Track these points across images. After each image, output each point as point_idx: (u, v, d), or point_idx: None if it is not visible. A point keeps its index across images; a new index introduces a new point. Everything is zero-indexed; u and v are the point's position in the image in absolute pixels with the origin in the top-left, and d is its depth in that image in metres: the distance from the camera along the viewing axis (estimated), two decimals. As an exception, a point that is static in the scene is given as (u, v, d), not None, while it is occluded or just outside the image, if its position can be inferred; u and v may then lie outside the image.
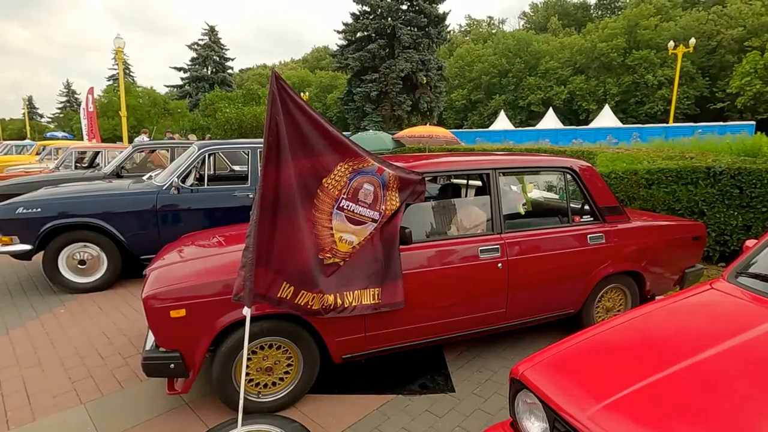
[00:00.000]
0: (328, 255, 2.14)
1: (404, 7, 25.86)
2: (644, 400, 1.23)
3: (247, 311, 1.88)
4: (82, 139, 23.39)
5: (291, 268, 1.97)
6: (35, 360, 2.93)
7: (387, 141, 10.27)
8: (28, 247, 3.94)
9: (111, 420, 2.32)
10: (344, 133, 2.26)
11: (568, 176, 3.05)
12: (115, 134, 21.92)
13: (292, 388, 2.41)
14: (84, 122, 20.57)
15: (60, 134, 29.29)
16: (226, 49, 37.42)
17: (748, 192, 4.37)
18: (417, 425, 2.30)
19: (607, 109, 26.63)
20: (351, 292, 2.25)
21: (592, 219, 3.07)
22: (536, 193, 3.86)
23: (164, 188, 4.30)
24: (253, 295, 1.86)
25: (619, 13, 44.58)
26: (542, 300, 2.90)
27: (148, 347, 2.26)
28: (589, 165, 3.13)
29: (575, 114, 38.50)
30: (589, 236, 2.97)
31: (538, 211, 3.31)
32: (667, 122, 23.84)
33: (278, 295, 1.97)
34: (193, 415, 2.36)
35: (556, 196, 3.93)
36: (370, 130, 14.84)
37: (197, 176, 4.62)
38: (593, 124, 24.87)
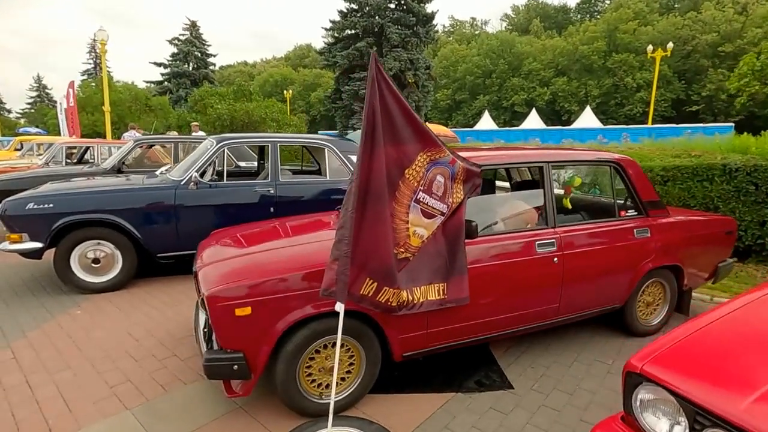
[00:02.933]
0: (401, 250, 2.05)
1: (392, 5, 25.82)
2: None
3: (340, 307, 1.78)
4: (58, 134, 22.49)
5: (375, 263, 1.88)
6: (63, 364, 2.74)
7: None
8: (39, 245, 3.70)
9: (165, 426, 2.18)
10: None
11: (614, 170, 3.05)
12: (95, 130, 21.10)
13: (354, 388, 2.31)
14: (61, 117, 19.83)
15: (33, 129, 28.05)
16: (208, 45, 36.61)
17: (764, 188, 4.48)
18: (485, 423, 2.24)
19: (588, 110, 27.27)
20: (418, 288, 2.18)
21: (636, 213, 3.08)
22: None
23: (182, 183, 4.12)
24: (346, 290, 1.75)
25: (598, 16, 45.75)
26: (593, 294, 2.88)
27: (205, 348, 2.14)
28: (633, 159, 3.14)
29: (558, 115, 39.27)
30: (635, 230, 2.97)
31: (581, 204, 3.30)
32: (646, 124, 24.55)
33: (360, 292, 1.87)
34: (251, 418, 2.24)
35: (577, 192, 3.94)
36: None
37: (215, 171, 4.44)
38: (576, 125, 25.42)
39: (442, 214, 2.19)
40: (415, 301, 2.13)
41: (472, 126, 31.35)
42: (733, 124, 17.60)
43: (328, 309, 2.11)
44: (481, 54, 43.79)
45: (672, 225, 3.13)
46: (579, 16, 51.67)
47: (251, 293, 2.03)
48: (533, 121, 26.40)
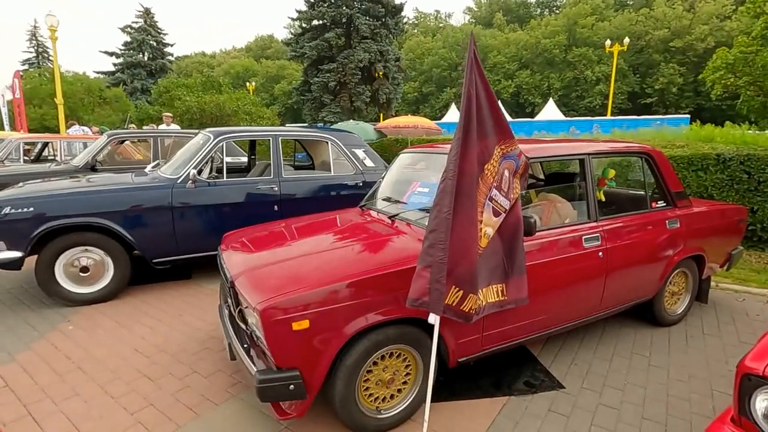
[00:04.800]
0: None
1: (361, -5, 25.35)
2: None
3: (434, 319, 1.61)
4: (1, 129, 20.63)
5: (461, 269, 1.70)
6: (68, 390, 2.41)
7: (370, 131, 9.95)
8: (18, 254, 3.27)
9: (207, 456, 1.94)
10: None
11: (644, 160, 3.03)
12: (43, 124, 19.49)
13: (411, 399, 2.16)
14: (4, 110, 18.19)
15: (-30, 125, 25.59)
16: (165, 34, 34.67)
17: (756, 177, 4.67)
18: (550, 428, 2.15)
19: (551, 102, 28.00)
20: (482, 291, 2.04)
21: (665, 204, 3.08)
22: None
23: (179, 182, 3.78)
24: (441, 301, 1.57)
25: (558, 11, 47.07)
26: (631, 287, 2.86)
27: (254, 367, 1.91)
28: (660, 150, 3.13)
29: (522, 107, 40.18)
30: (667, 221, 2.97)
31: (612, 196, 3.27)
32: (605, 115, 25.53)
33: (446, 301, 1.70)
34: (303, 440, 2.04)
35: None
36: (351, 121, 14.38)
37: (214, 168, 4.11)
38: (539, 117, 26.05)
39: (505, 211, 2.06)
40: (482, 305, 2.00)
41: (439, 119, 31.50)
42: (689, 116, 18.59)
43: (385, 318, 1.94)
44: (447, 47, 44.03)
45: (697, 215, 3.16)
46: (539, 10, 52.95)
47: (309, 305, 1.82)
48: (499, 113, 26.70)
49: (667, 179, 3.06)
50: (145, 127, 11.71)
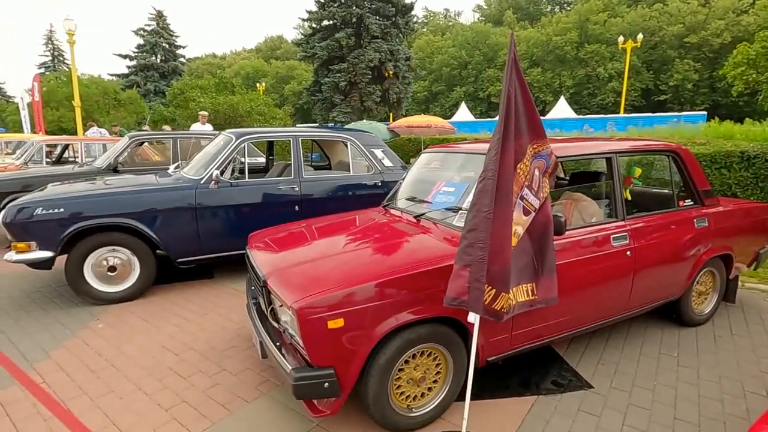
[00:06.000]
0: (504, 250, 1.90)
1: (371, -5, 25.40)
2: None
3: (474, 318, 1.62)
4: (19, 131, 21.06)
5: (496, 268, 1.71)
6: (104, 387, 2.47)
7: (383, 131, 9.96)
8: (49, 253, 3.35)
9: (244, 452, 1.97)
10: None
11: (672, 158, 3.00)
12: (61, 126, 19.86)
13: (442, 397, 2.17)
14: (24, 113, 18.59)
15: (-9, 127, 26.22)
16: (177, 36, 35.10)
17: (782, 174, 4.59)
18: (581, 428, 2.15)
19: (562, 100, 27.71)
20: (512, 290, 2.04)
21: (692, 203, 3.04)
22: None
23: (202, 182, 3.83)
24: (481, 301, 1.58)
25: (569, 8, 46.59)
26: (659, 287, 2.83)
27: (288, 365, 1.93)
28: (687, 148, 3.10)
29: (533, 105, 39.84)
30: (695, 220, 2.94)
31: (638, 195, 3.25)
32: (618, 113, 25.18)
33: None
34: (336, 437, 2.07)
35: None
36: (364, 120, 14.41)
37: (236, 169, 4.16)
38: (549, 116, 25.82)
39: (535, 210, 2.06)
40: (513, 304, 2.00)
41: (449, 117, 31.42)
42: (705, 113, 18.29)
43: (418, 317, 1.96)
44: (457, 45, 43.86)
45: (726, 214, 3.12)
46: (550, 7, 52.48)
47: (344, 303, 1.84)
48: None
49: (694, 177, 3.03)
50: (164, 128, 11.89)
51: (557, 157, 2.14)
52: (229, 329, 3.19)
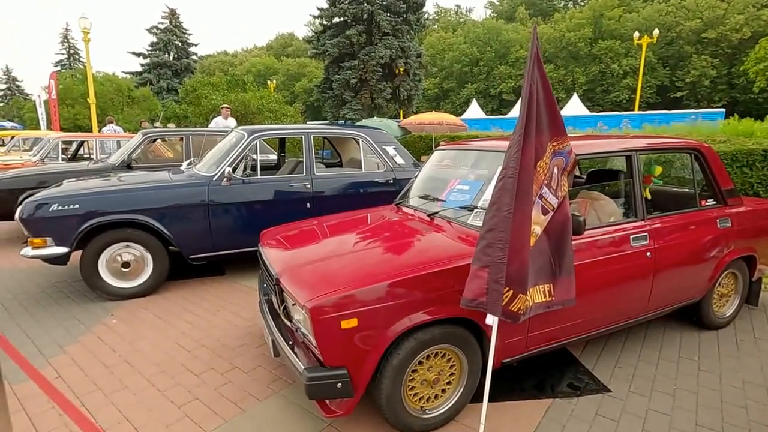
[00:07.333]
0: (521, 250, 1.85)
1: (382, -9, 25.28)
2: None
3: (493, 320, 1.58)
4: (36, 128, 21.45)
5: (513, 268, 1.67)
6: (117, 382, 2.48)
7: (394, 128, 9.90)
8: (64, 249, 3.39)
9: (256, 451, 1.96)
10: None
11: (694, 157, 2.91)
12: (76, 123, 20.17)
13: (456, 399, 2.14)
14: (41, 111, 18.92)
15: (8, 124, 26.75)
16: (189, 34, 35.38)
17: (807, 173, 4.44)
18: (599, 432, 2.09)
19: (575, 97, 27.31)
20: (529, 291, 2.00)
21: (715, 202, 2.95)
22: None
23: (215, 179, 3.84)
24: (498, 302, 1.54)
25: (583, 3, 45.89)
26: (679, 288, 2.76)
27: (301, 365, 1.91)
28: (710, 146, 3.00)
29: (545, 102, 39.39)
30: (718, 220, 2.85)
31: (658, 194, 3.17)
32: (632, 110, 24.74)
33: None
34: (348, 438, 2.05)
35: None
36: (375, 118, 14.37)
37: (248, 166, 4.16)
38: (562, 113, 25.40)
39: (553, 209, 2.00)
40: (529, 305, 1.95)
41: (460, 115, 31.20)
42: (723, 110, 17.87)
43: (432, 318, 1.92)
44: (468, 42, 43.52)
45: (749, 214, 3.02)
46: (563, 3, 51.77)
47: (358, 303, 1.81)
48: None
49: (718, 176, 2.94)
50: (170, 125, 11.99)
51: (577, 155, 2.08)
52: (241, 327, 3.19)
